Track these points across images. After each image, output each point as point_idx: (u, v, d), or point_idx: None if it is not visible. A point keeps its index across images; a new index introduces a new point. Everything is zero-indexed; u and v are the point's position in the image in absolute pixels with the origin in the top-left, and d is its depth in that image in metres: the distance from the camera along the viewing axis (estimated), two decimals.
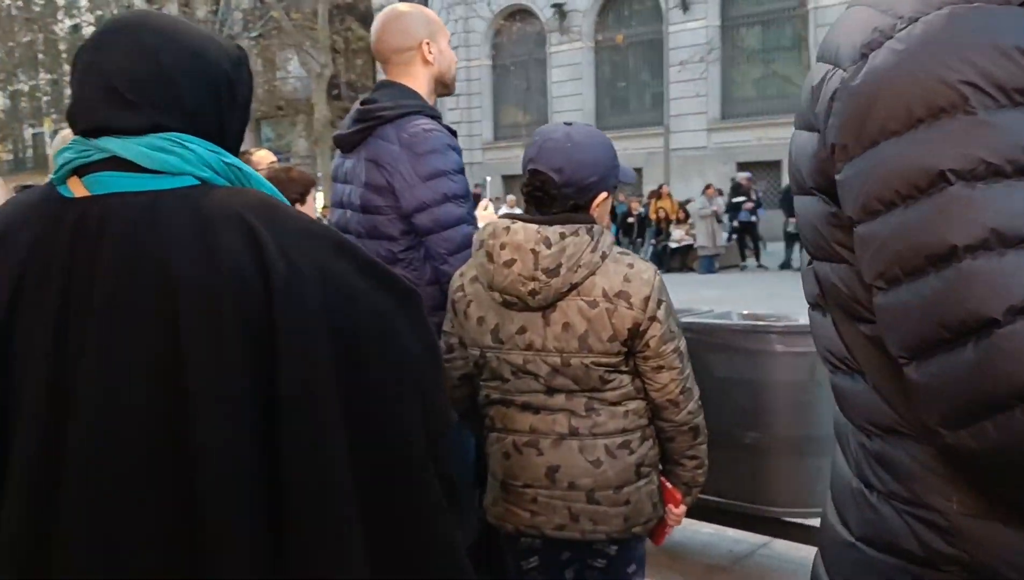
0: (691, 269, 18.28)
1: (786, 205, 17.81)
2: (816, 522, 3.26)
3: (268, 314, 1.10)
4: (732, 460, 3.00)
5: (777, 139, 26.28)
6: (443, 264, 2.45)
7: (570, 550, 2.16)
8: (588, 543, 2.11)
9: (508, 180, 28.91)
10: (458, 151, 2.52)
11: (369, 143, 2.52)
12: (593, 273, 2.00)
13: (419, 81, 2.62)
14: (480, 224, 2.57)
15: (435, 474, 1.21)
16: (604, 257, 2.02)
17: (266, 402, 1.09)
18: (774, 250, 18.31)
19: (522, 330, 2.04)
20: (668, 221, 19.06)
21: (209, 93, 1.22)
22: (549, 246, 1.97)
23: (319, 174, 19.08)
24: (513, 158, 27.04)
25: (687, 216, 18.81)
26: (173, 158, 1.16)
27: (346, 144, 2.63)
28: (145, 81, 1.17)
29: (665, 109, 25.64)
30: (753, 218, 18.42)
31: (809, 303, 1.19)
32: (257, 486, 1.07)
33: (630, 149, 25.48)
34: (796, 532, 3.40)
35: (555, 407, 2.07)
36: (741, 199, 18.28)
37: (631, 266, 2.05)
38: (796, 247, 17.48)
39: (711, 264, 17.77)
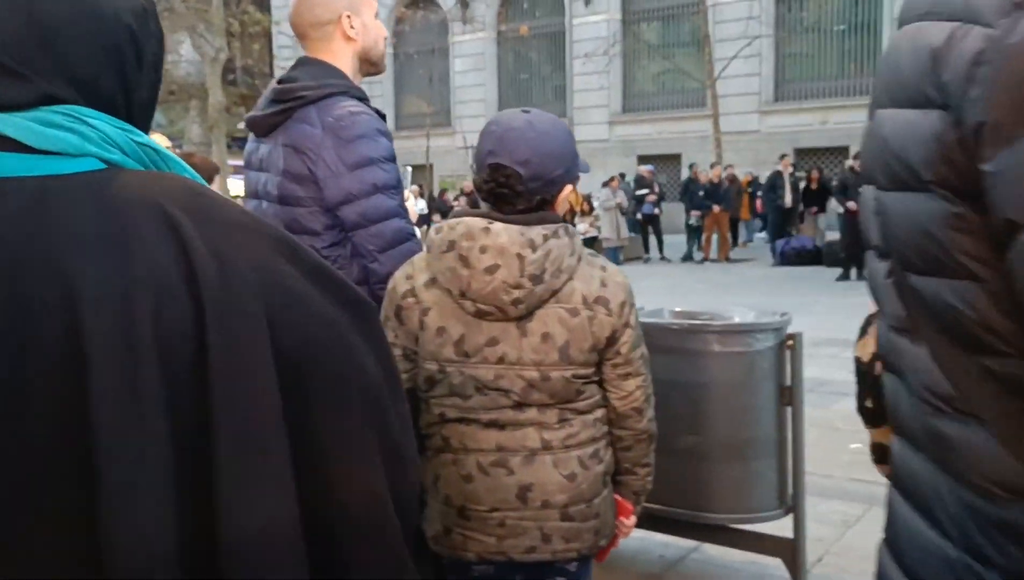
0: None
1: (688, 198, 18.11)
2: (756, 527, 3.22)
3: (196, 330, 0.86)
4: (670, 466, 2.86)
5: (676, 133, 26.79)
6: (372, 262, 2.22)
7: (524, 571, 1.99)
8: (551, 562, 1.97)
9: (412, 171, 28.50)
10: (388, 137, 2.30)
11: (288, 127, 2.25)
12: (572, 278, 1.84)
13: (341, 59, 2.33)
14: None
15: (400, 529, 0.98)
16: (580, 260, 1.86)
17: (191, 446, 0.85)
18: (672, 242, 18.56)
19: (493, 342, 1.84)
20: (573, 213, 19.06)
21: (108, 55, 0.95)
22: (534, 250, 1.79)
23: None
24: (416, 148, 26.88)
25: (591, 208, 18.87)
26: (71, 136, 0.90)
27: (261, 127, 2.33)
28: (23, 43, 0.90)
29: (568, 101, 25.71)
30: (656, 211, 18.63)
31: (892, 327, 0.96)
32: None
33: None
34: (725, 536, 3.31)
35: (525, 422, 1.89)
36: (644, 192, 18.46)
37: (604, 269, 1.91)
38: (698, 240, 17.79)
39: (615, 256, 17.84)
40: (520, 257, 1.77)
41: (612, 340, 1.87)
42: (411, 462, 1.04)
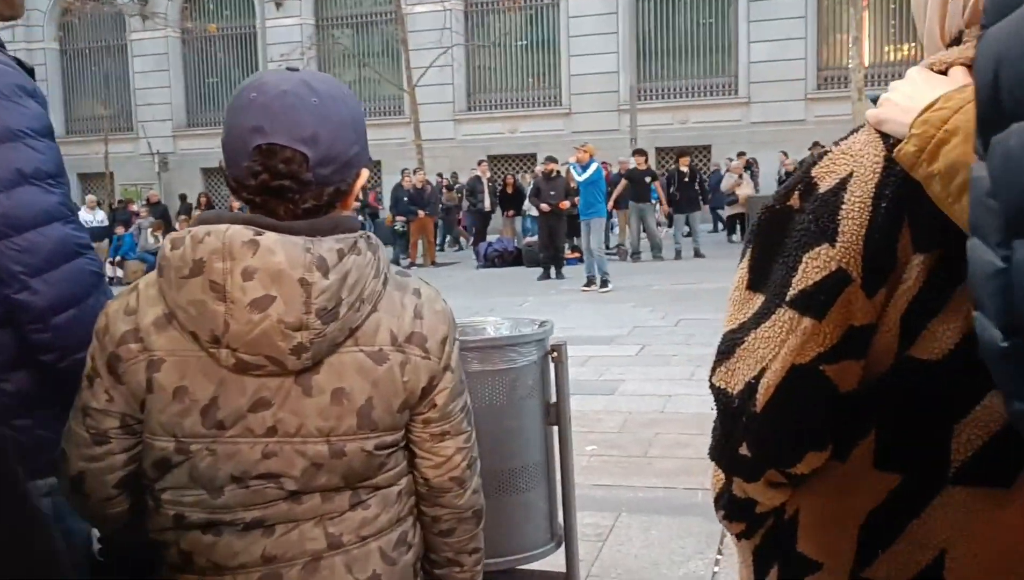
0: None
1: (393, 204, 17.91)
2: (526, 565, 2.96)
3: None
4: None
5: (376, 140, 26.49)
6: (22, 291, 1.49)
7: None
8: None
9: (85, 179, 25.88)
10: (40, 100, 1.57)
11: None
12: (376, 309, 1.33)
13: None
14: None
15: None
16: (386, 282, 1.35)
17: None
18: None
19: (261, 405, 1.27)
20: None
21: None
22: (326, 272, 1.24)
23: None
24: (92, 155, 24.40)
25: None
26: None
27: None
28: None
29: None
30: (360, 218, 18.24)
31: None
32: None
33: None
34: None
35: (304, 516, 1.32)
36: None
37: (418, 293, 1.40)
38: (404, 245, 17.61)
39: None
40: (305, 284, 1.23)
41: (428, 390, 1.37)
42: None
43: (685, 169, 16.21)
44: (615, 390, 6.03)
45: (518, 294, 12.10)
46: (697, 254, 15.59)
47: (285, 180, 1.27)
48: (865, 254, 0.99)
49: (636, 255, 15.58)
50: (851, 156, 1.04)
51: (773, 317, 1.11)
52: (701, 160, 24.41)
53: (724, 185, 18.83)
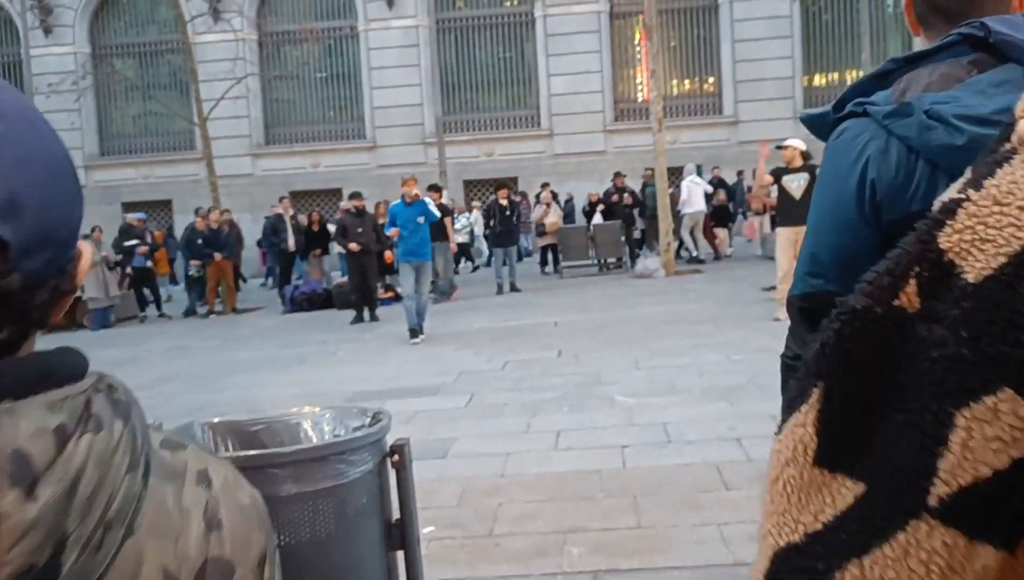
0: (81, 325, 15.83)
1: (185, 246, 16.51)
2: None
3: None
4: None
5: (165, 177, 24.80)
6: None
7: None
8: None
9: None
10: None
11: None
12: (132, 529, 0.63)
13: None
14: None
15: None
16: (148, 469, 0.66)
17: None
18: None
19: None
20: None
21: None
22: (30, 486, 0.55)
23: None
24: None
25: None
26: None
27: None
28: None
29: None
30: (149, 263, 16.73)
31: None
32: None
33: None
34: None
35: None
36: (134, 242, 16.44)
37: (205, 479, 0.73)
38: (200, 292, 16.24)
39: (105, 318, 15.59)
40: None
41: None
42: None
43: (504, 202, 15.93)
44: (447, 452, 5.41)
45: (330, 342, 11.25)
46: (514, 288, 15.28)
47: None
48: None
49: (443, 295, 14.95)
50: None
51: (902, 537, 0.56)
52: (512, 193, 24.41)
53: (533, 216, 18.77)
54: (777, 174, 9.92)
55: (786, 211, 10.07)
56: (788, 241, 9.75)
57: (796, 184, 9.69)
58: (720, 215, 18.39)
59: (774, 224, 11.74)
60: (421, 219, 10.96)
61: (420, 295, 10.94)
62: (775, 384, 5.08)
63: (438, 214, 12.19)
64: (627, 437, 5.36)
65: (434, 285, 16.43)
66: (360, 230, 13.21)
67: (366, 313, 13.07)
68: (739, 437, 5.11)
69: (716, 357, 7.71)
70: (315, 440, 2.12)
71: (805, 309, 1.33)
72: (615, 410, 6.12)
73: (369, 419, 2.11)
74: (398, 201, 11.48)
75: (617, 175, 19.54)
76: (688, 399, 6.24)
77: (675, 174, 21.61)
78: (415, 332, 10.70)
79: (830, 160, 1.31)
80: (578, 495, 4.36)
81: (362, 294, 13.23)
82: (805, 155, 9.77)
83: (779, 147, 9.85)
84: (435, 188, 14.79)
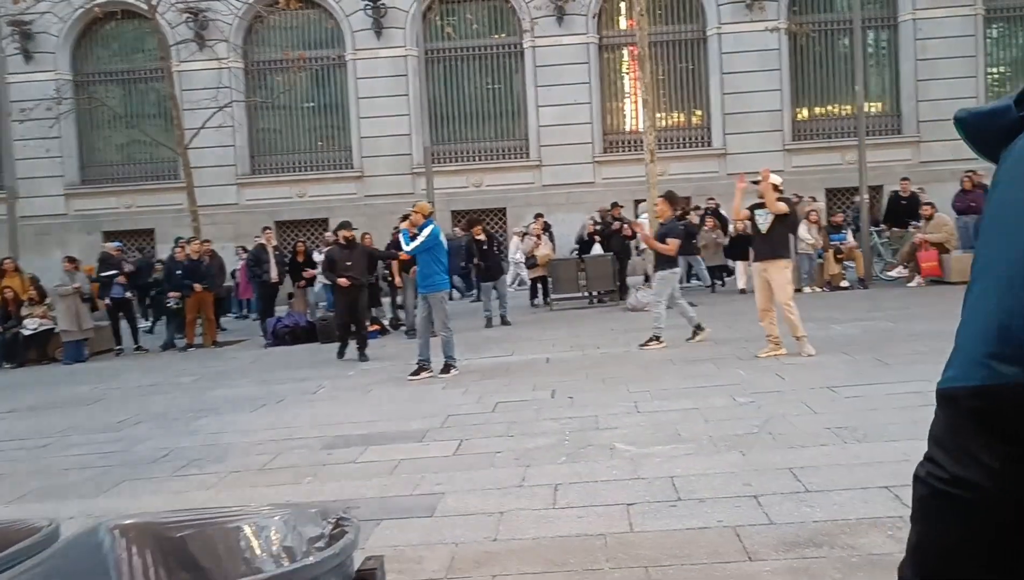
0: (54, 359, 15.26)
1: (165, 278, 16.00)
2: None
3: None
4: None
5: (148, 206, 24.28)
6: None
7: None
8: None
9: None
10: None
11: None
12: None
13: None
14: None
15: None
16: None
17: None
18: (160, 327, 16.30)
19: None
20: (19, 302, 15.69)
21: None
22: None
23: None
24: None
25: (43, 296, 15.73)
26: None
27: None
28: None
29: (8, 171, 21.65)
30: (127, 294, 16.20)
31: None
32: None
33: None
34: None
35: None
36: (112, 273, 15.93)
37: None
38: (179, 324, 15.69)
39: (79, 351, 15.03)
40: None
41: None
42: None
43: (482, 237, 15.53)
44: (434, 509, 4.92)
45: (311, 378, 10.73)
46: (504, 321, 14.82)
47: None
48: None
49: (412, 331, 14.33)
50: None
51: None
52: (497, 223, 24.00)
53: (523, 248, 18.36)
54: (752, 208, 9.68)
55: (755, 246, 9.90)
56: (758, 276, 9.51)
57: (763, 219, 9.44)
58: (737, 246, 17.03)
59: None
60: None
61: (435, 329, 10.16)
62: (789, 433, 4.58)
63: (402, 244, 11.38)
64: (632, 493, 4.88)
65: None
66: (349, 263, 12.60)
67: (353, 349, 12.37)
68: (756, 494, 4.65)
69: (721, 400, 7.26)
70: (258, 551, 1.65)
71: (982, 410, 0.89)
72: (616, 460, 5.64)
73: (330, 528, 1.63)
74: (404, 230, 11.00)
75: (615, 205, 19.22)
76: (696, 449, 5.77)
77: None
78: (422, 367, 10.02)
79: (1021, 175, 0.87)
80: (582, 565, 3.87)
81: (348, 330, 12.61)
82: (777, 189, 9.52)
83: (754, 182, 9.63)
84: (406, 217, 14.22)
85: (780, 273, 9.33)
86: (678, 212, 12.34)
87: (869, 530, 3.98)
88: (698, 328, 10.89)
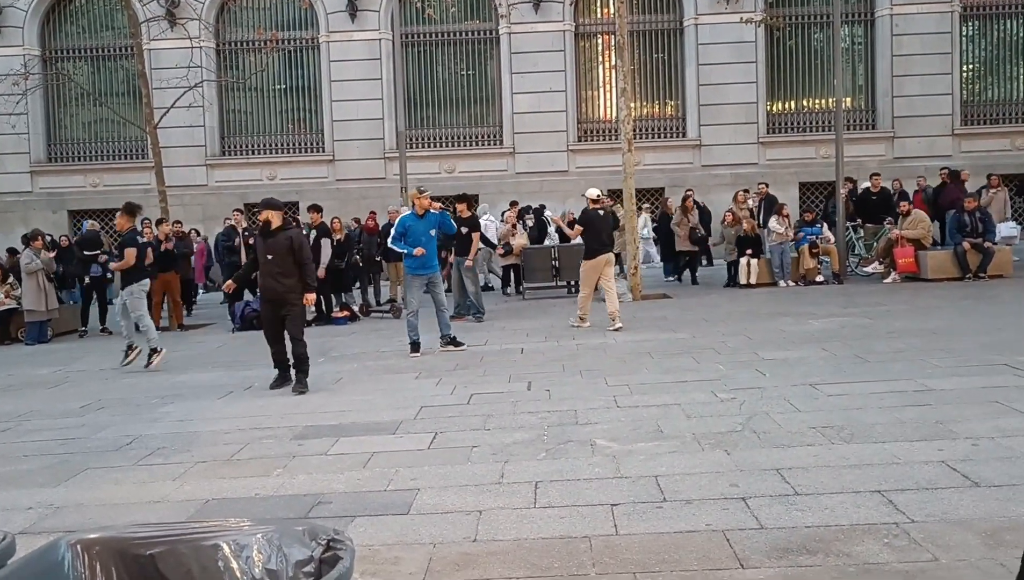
0: (17, 339, 14.87)
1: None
2: None
3: None
4: None
5: (115, 185, 23.77)
6: None
7: None
8: None
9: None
10: None
11: None
12: None
13: None
14: None
15: None
16: None
17: None
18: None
19: None
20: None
21: None
22: None
23: None
24: None
25: (6, 274, 15.32)
26: None
27: None
28: None
29: None
30: (109, 275, 15.77)
31: None
32: None
33: None
34: None
35: None
36: (95, 252, 15.49)
37: None
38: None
39: (42, 332, 14.65)
40: None
41: None
42: None
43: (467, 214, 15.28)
44: (410, 506, 4.75)
45: None
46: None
47: None
48: None
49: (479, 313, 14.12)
50: None
51: None
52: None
53: (498, 233, 18.17)
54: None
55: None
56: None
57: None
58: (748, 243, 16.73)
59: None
60: (433, 232, 10.75)
61: (442, 304, 10.90)
62: (773, 432, 4.40)
63: (455, 227, 12.13)
64: (616, 493, 4.74)
65: (392, 302, 15.77)
66: (270, 257, 11.48)
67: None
68: (744, 496, 4.52)
69: (702, 395, 7.14)
70: (238, 574, 1.46)
71: None
72: (598, 458, 5.50)
73: (320, 550, 1.44)
74: (409, 212, 11.12)
75: (614, 196, 19.09)
76: (679, 446, 5.64)
77: (641, 196, 21.21)
78: (417, 346, 10.60)
79: None
80: (567, 570, 3.72)
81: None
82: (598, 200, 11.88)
83: (583, 195, 12.22)
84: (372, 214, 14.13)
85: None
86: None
87: (864, 537, 3.86)
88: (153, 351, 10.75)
